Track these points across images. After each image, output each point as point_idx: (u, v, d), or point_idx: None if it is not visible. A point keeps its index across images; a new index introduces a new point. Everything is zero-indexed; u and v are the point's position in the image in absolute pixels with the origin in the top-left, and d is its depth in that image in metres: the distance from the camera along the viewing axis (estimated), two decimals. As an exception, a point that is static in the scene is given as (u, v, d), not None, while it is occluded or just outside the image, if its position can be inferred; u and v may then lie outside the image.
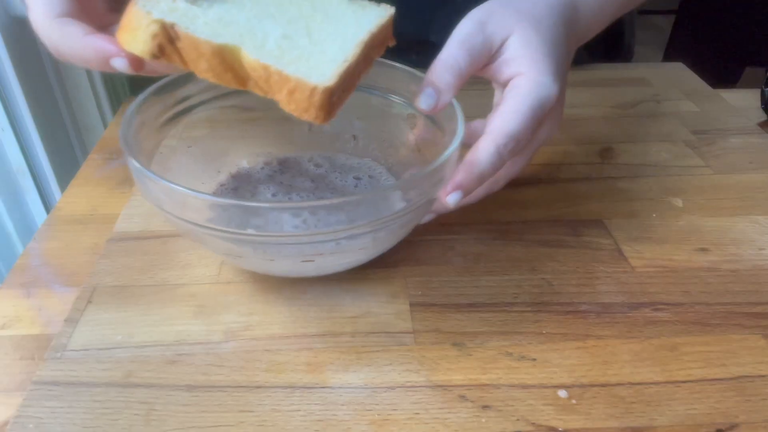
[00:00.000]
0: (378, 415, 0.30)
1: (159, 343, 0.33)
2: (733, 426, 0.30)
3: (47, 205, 0.75)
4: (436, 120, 0.38)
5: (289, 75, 0.28)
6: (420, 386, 0.32)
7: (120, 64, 0.31)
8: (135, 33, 0.29)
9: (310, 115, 0.28)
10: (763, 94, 0.58)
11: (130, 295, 0.36)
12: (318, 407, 0.30)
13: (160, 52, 0.29)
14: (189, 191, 0.29)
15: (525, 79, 0.34)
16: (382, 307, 0.36)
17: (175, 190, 0.29)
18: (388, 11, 0.33)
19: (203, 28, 0.29)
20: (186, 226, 0.31)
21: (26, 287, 0.39)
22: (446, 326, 0.35)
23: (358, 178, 0.43)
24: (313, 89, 0.27)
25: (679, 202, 0.45)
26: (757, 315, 0.36)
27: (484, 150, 0.33)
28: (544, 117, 0.35)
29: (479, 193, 0.38)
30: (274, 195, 0.41)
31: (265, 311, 0.36)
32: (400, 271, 0.39)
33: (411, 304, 0.36)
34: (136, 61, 0.31)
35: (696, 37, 1.81)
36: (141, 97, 0.36)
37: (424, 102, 0.33)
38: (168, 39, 0.29)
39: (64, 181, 0.73)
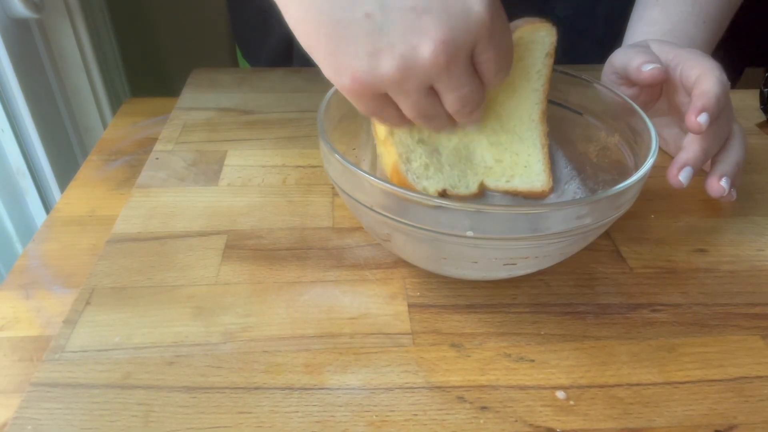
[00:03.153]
0: (376, 416, 0.30)
1: (157, 344, 0.33)
2: (732, 427, 0.30)
3: (47, 206, 0.75)
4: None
5: (521, 189, 0.40)
6: (418, 387, 0.32)
7: None
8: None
9: None
10: (762, 94, 0.58)
11: (128, 296, 0.36)
12: (316, 408, 0.30)
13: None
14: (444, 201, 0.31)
15: (706, 69, 0.41)
16: (380, 309, 0.36)
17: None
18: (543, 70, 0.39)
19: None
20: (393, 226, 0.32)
21: (25, 288, 0.39)
22: (444, 327, 0.35)
23: None
24: (542, 192, 0.40)
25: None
26: (756, 316, 0.36)
27: (704, 120, 0.39)
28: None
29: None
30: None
31: (263, 312, 0.36)
32: (398, 272, 0.39)
33: (409, 305, 0.36)
34: None
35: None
36: None
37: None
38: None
39: (63, 182, 0.73)
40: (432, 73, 0.30)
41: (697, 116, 0.39)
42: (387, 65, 0.30)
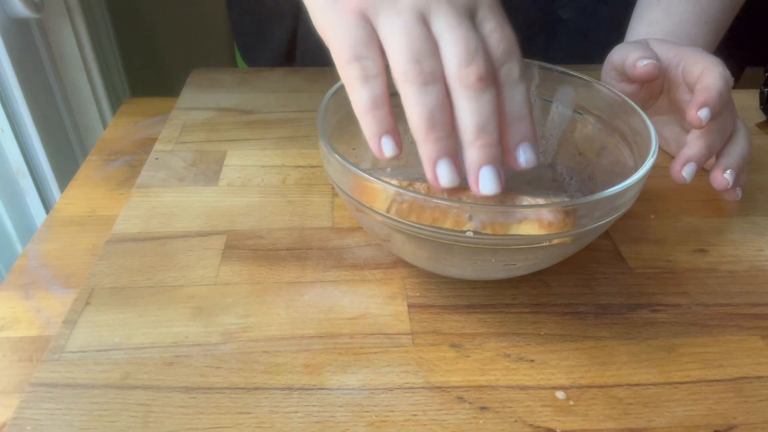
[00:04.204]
0: (376, 416, 0.30)
1: (157, 344, 0.33)
2: (731, 427, 0.30)
3: (47, 206, 0.75)
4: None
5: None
6: (418, 387, 0.32)
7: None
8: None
9: (566, 227, 0.30)
10: (762, 94, 0.58)
11: (128, 296, 0.36)
12: (316, 408, 0.30)
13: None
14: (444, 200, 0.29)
15: (709, 64, 0.41)
16: (380, 309, 0.36)
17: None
18: None
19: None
20: (389, 225, 0.31)
21: (25, 289, 0.39)
22: (444, 327, 0.35)
23: None
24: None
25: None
26: (756, 316, 0.36)
27: (705, 115, 0.39)
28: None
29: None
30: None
31: (263, 312, 0.36)
32: (398, 272, 0.39)
33: (409, 306, 0.36)
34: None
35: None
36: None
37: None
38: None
39: (63, 182, 0.73)
40: None
41: (698, 110, 0.39)
42: None
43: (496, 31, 0.28)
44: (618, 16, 0.54)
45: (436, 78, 0.27)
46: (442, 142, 0.28)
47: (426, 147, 0.28)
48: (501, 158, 0.28)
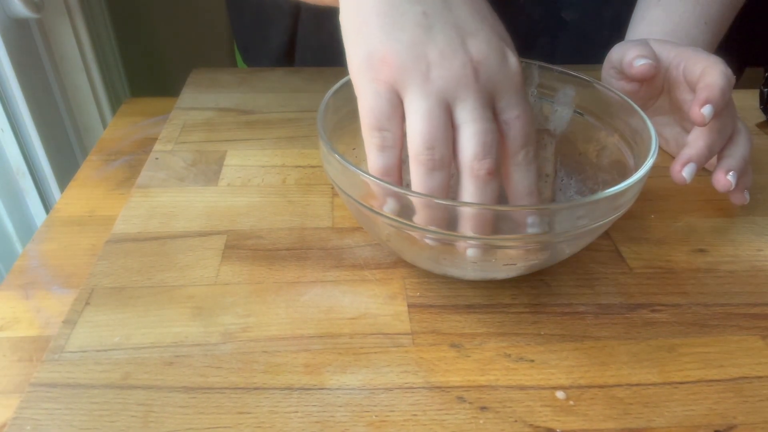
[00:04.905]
0: (376, 416, 0.30)
1: (157, 344, 0.33)
2: (731, 427, 0.30)
3: (47, 206, 0.75)
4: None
5: None
6: (418, 387, 0.32)
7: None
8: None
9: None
10: (762, 94, 0.58)
11: (128, 296, 0.36)
12: (316, 408, 0.30)
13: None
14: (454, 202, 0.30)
15: (711, 62, 0.41)
16: (380, 309, 0.36)
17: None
18: None
19: None
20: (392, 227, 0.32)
21: (24, 289, 0.39)
22: (444, 327, 0.35)
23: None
24: None
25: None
26: (755, 316, 0.36)
27: (708, 112, 0.39)
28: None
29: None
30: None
31: (263, 312, 0.36)
32: (398, 272, 0.39)
33: (409, 306, 0.36)
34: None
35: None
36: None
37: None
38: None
39: (63, 182, 0.73)
40: (459, 83, 0.30)
41: (701, 107, 0.39)
42: (422, 55, 0.30)
43: (519, 119, 0.32)
44: (621, 18, 0.54)
45: (443, 165, 0.31)
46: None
47: (419, 217, 0.31)
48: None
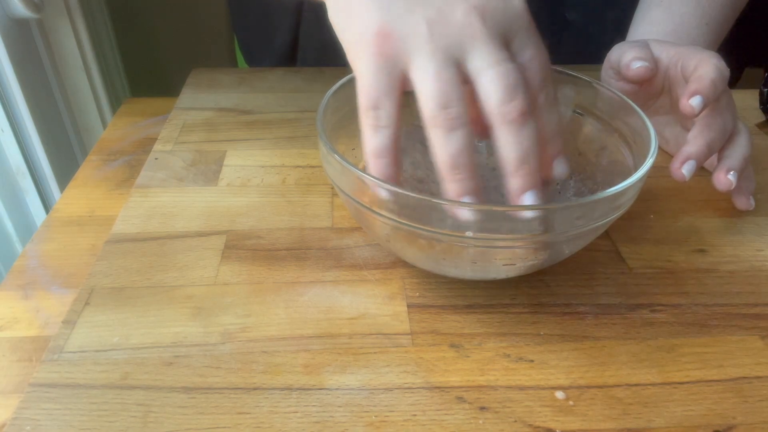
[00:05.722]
0: (375, 416, 0.30)
1: (156, 344, 0.33)
2: (731, 427, 0.30)
3: (47, 206, 0.75)
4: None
5: None
6: (417, 388, 0.32)
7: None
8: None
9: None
10: (762, 94, 0.58)
11: (127, 296, 0.36)
12: (315, 409, 0.30)
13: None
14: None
15: (705, 57, 0.41)
16: (379, 309, 0.36)
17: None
18: None
19: None
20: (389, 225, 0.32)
21: (24, 289, 0.39)
22: (444, 328, 0.35)
23: None
24: None
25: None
26: (755, 316, 0.36)
27: (697, 103, 0.38)
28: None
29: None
30: None
31: (262, 313, 0.36)
32: (397, 272, 0.39)
33: (408, 306, 0.36)
34: None
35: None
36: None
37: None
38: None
39: (63, 182, 0.73)
40: (465, 34, 0.28)
41: (689, 99, 0.39)
42: (418, 17, 0.29)
43: (535, 59, 0.30)
44: (624, 19, 0.55)
45: (462, 123, 0.28)
46: (463, 183, 0.29)
47: (449, 186, 0.30)
48: (540, 183, 0.30)
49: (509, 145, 0.29)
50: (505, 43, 0.29)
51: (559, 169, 0.31)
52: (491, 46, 0.29)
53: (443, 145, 0.29)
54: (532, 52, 0.30)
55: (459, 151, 0.29)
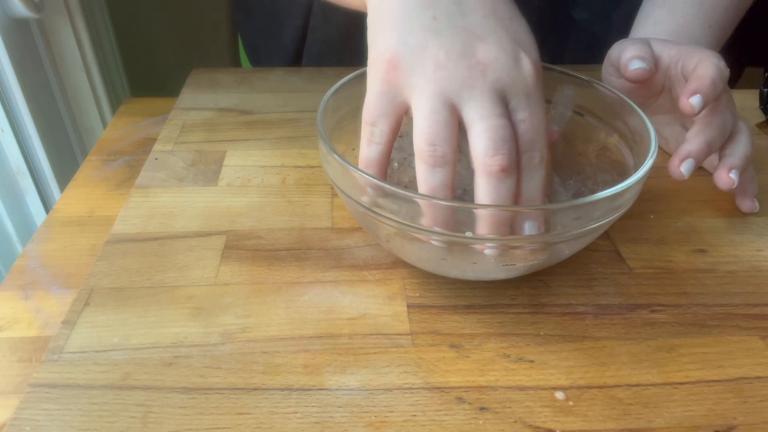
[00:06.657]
0: (375, 417, 0.30)
1: (156, 345, 0.33)
2: (731, 428, 0.30)
3: (47, 206, 0.75)
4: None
5: None
6: (417, 388, 0.32)
7: None
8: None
9: None
10: (762, 94, 0.58)
11: (127, 297, 0.36)
12: (315, 409, 0.30)
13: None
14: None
15: (704, 56, 0.41)
16: (379, 309, 0.36)
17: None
18: None
19: None
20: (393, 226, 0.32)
21: (24, 289, 0.39)
22: (444, 328, 0.35)
23: None
24: None
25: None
26: (755, 316, 0.36)
27: (696, 101, 0.39)
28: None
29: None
30: None
31: (262, 313, 0.36)
32: (397, 272, 0.39)
33: (408, 306, 0.36)
34: None
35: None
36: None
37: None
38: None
39: (63, 182, 0.73)
40: (464, 83, 0.30)
41: (689, 98, 0.39)
42: (428, 56, 0.31)
43: (526, 121, 0.31)
44: (631, 19, 0.55)
45: (445, 162, 0.30)
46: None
47: (425, 216, 0.31)
48: (506, 233, 0.31)
49: (486, 194, 0.30)
50: (502, 99, 0.31)
51: (529, 229, 0.32)
52: (487, 100, 0.30)
53: (425, 179, 0.31)
54: (523, 115, 0.31)
55: (439, 186, 0.31)
